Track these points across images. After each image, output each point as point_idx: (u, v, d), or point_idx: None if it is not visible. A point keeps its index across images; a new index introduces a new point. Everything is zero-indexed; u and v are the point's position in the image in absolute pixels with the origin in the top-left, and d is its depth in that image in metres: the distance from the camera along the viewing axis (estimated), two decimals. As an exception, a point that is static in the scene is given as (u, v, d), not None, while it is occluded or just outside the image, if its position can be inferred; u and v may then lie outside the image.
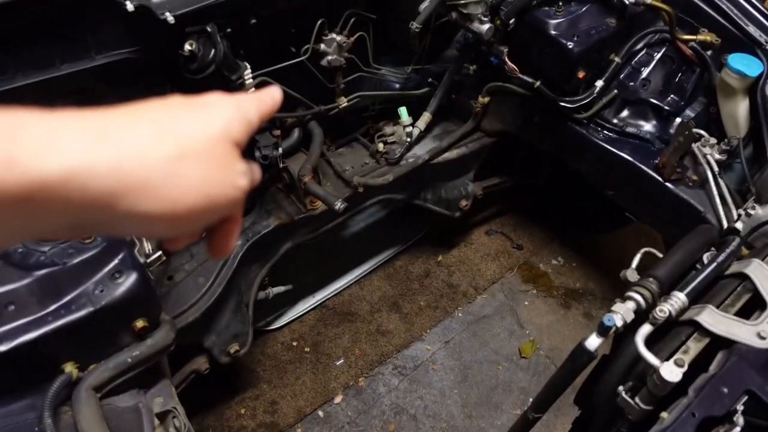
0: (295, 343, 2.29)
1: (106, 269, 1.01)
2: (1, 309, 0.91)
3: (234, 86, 1.39)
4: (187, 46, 1.26)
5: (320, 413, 2.11)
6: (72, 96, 1.29)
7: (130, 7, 1.19)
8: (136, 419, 1.11)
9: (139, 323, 1.06)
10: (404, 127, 1.98)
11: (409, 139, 1.96)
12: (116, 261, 1.03)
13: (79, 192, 0.36)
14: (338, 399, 2.15)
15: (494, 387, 2.24)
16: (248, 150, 1.60)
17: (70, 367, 1.00)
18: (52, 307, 0.95)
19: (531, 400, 1.49)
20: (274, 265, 1.85)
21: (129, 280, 1.01)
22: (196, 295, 1.59)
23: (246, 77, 1.41)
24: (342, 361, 2.26)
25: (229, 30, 1.36)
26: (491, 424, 2.13)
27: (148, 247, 1.17)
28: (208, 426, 2.04)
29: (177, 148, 0.40)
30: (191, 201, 0.41)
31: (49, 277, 0.96)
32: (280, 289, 2.06)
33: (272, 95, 0.52)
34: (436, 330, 2.39)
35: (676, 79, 1.81)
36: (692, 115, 1.80)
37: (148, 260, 1.13)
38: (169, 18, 1.21)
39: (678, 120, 1.80)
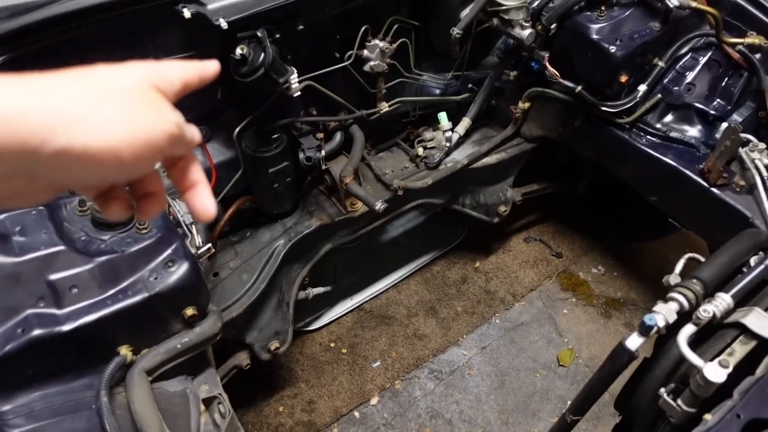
0: (332, 344, 2.33)
1: (161, 258, 1.07)
2: (65, 291, 0.98)
3: (281, 89, 1.44)
4: (238, 50, 1.32)
5: (356, 414, 2.14)
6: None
7: (187, 14, 1.26)
8: (184, 403, 1.16)
9: (189, 311, 1.11)
10: (444, 132, 2.00)
11: (448, 144, 1.99)
12: (170, 251, 1.08)
13: (11, 132, 0.38)
14: (374, 401, 2.17)
15: (531, 394, 2.21)
16: (292, 152, 1.66)
17: (125, 350, 1.05)
18: (111, 292, 1.01)
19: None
20: (314, 265, 1.89)
21: (181, 269, 1.07)
22: (240, 291, 1.64)
23: (292, 81, 1.46)
24: (378, 363, 2.28)
25: (277, 36, 1.42)
26: (528, 431, 2.11)
27: (198, 240, 1.22)
28: (247, 422, 2.09)
29: (100, 89, 0.44)
30: (125, 134, 0.43)
31: (108, 264, 1.02)
32: (320, 290, 2.10)
33: (204, 66, 0.55)
34: (473, 336, 2.39)
35: (723, 84, 1.78)
36: (740, 119, 1.76)
37: (199, 252, 1.18)
38: (223, 24, 1.28)
39: (724, 125, 1.77)
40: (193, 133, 0.53)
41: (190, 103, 1.48)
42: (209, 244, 1.21)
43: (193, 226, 1.25)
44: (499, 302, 2.50)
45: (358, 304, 2.45)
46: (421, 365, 2.29)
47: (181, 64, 0.53)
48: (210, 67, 0.56)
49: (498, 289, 2.55)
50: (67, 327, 0.95)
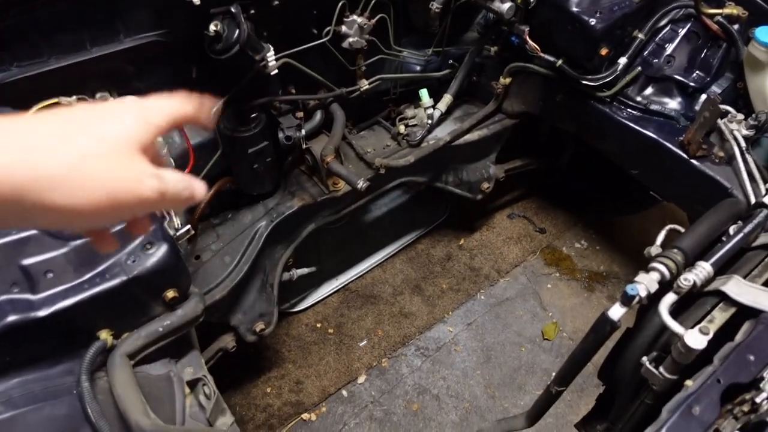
0: (319, 325, 2.33)
1: (138, 240, 1.04)
2: (40, 276, 0.96)
3: (258, 66, 1.41)
4: (212, 27, 1.28)
5: (344, 393, 2.15)
6: (102, 78, 1.33)
7: (156, -12, 1.22)
8: (168, 386, 1.15)
9: (170, 293, 1.10)
10: (425, 109, 1.98)
11: (430, 122, 1.97)
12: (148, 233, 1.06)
13: None
14: (362, 379, 2.18)
15: (517, 368, 2.24)
16: (272, 131, 1.63)
17: (105, 335, 1.04)
18: (88, 276, 0.99)
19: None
20: (298, 246, 1.88)
21: (160, 251, 1.05)
22: (223, 274, 1.63)
23: (269, 58, 1.43)
24: (365, 342, 2.28)
25: (252, 11, 1.39)
26: (514, 404, 2.14)
27: (177, 221, 1.20)
28: (235, 404, 2.09)
29: (80, 148, 0.44)
30: (96, 197, 0.45)
31: (84, 247, 1.00)
32: (304, 270, 2.09)
33: (197, 102, 0.55)
34: (459, 312, 2.40)
35: (702, 55, 1.78)
36: (719, 91, 1.77)
37: (177, 233, 1.16)
38: (195, 0, 1.24)
39: (704, 96, 1.77)
40: (194, 188, 0.53)
41: (163, 83, 1.45)
42: (188, 226, 1.19)
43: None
44: (484, 278, 2.52)
45: (343, 284, 2.45)
46: (408, 343, 2.30)
47: (167, 104, 0.53)
48: (205, 107, 0.56)
49: (482, 265, 2.57)
50: (42, 312, 0.93)
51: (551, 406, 1.40)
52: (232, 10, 1.30)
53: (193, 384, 1.17)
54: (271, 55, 1.43)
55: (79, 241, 1.00)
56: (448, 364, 2.25)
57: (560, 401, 2.09)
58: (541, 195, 2.85)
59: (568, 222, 2.77)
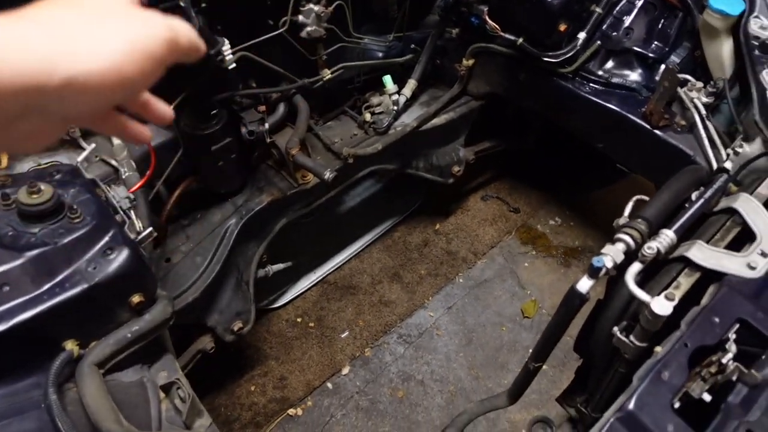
0: (299, 319, 2.31)
1: (98, 247, 1.02)
2: (-5, 290, 0.93)
3: (214, 61, 1.38)
4: (161, 23, 1.25)
5: (329, 385, 2.14)
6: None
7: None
8: (142, 393, 1.13)
9: (136, 298, 1.07)
10: (390, 95, 1.97)
11: (396, 108, 1.96)
12: (107, 238, 1.03)
13: (18, 65, 0.38)
14: (346, 370, 2.18)
15: (499, 348, 2.26)
16: (234, 127, 1.61)
17: (70, 345, 1.01)
18: (47, 286, 0.96)
19: (532, 352, 1.51)
20: (271, 242, 1.86)
21: (121, 257, 1.02)
22: (195, 275, 1.60)
23: (225, 52, 1.41)
24: (347, 333, 2.28)
25: (204, 5, 1.36)
26: (498, 383, 2.16)
27: (138, 224, 1.18)
28: (220, 405, 2.07)
29: (86, 11, 0.43)
30: (123, 50, 0.43)
31: (40, 257, 0.97)
32: (280, 266, 2.07)
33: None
34: (438, 297, 2.41)
35: (659, 26, 1.80)
36: (677, 60, 1.79)
37: (139, 237, 1.14)
38: (141, -5, 1.21)
39: (663, 67, 1.79)
40: (191, 36, 0.50)
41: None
42: (150, 228, 1.17)
43: (132, 211, 1.20)
44: (462, 262, 2.53)
45: (321, 277, 2.44)
46: (390, 331, 2.30)
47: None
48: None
49: (459, 249, 2.58)
50: (1, 327, 0.90)
51: (531, 382, 1.42)
52: (182, 4, 1.26)
53: (167, 388, 1.16)
54: (227, 48, 1.40)
55: (34, 252, 0.97)
56: (430, 349, 2.26)
57: (543, 377, 2.13)
58: (513, 175, 2.87)
59: (541, 200, 2.79)
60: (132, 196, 1.25)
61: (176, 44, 0.47)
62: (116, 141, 1.37)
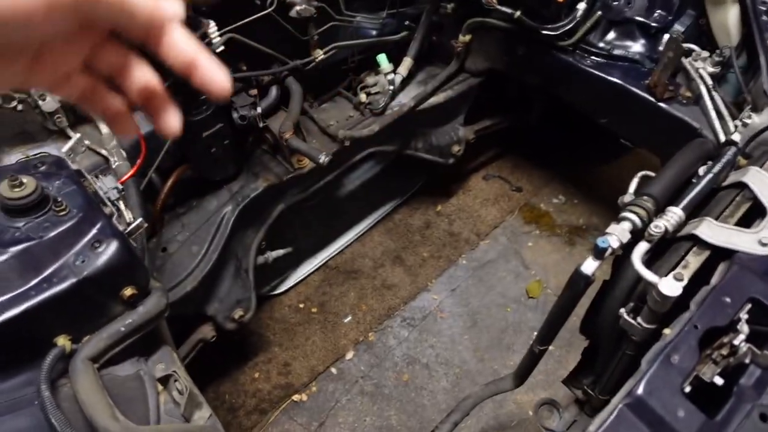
0: (302, 305, 2.29)
1: (85, 240, 0.99)
2: (-20, 288, 0.90)
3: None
4: (145, 6, 1.21)
5: (333, 370, 2.13)
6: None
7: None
8: (139, 386, 1.11)
9: (128, 291, 1.04)
10: (386, 75, 1.92)
11: (392, 87, 1.91)
12: (95, 231, 1.00)
13: None
14: (350, 355, 2.16)
15: (504, 329, 2.24)
16: (226, 112, 1.56)
17: (62, 340, 0.99)
18: (34, 282, 0.93)
19: (537, 334, 1.49)
20: (270, 228, 1.83)
21: (110, 249, 0.99)
22: (192, 264, 1.58)
23: (212, 35, 1.36)
24: (350, 318, 2.26)
25: (187, -15, 1.31)
26: (504, 365, 2.14)
27: (128, 215, 1.15)
28: (224, 392, 2.06)
29: None
30: None
31: (26, 252, 0.94)
32: (279, 252, 2.05)
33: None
34: (442, 279, 2.38)
35: (663, -6, 1.73)
36: (681, 29, 1.73)
37: (129, 228, 1.11)
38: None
39: (666, 36, 1.73)
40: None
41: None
42: (140, 219, 1.13)
43: (120, 202, 1.17)
44: (464, 243, 2.50)
45: (323, 262, 2.41)
46: (393, 314, 2.28)
47: None
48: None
49: (462, 230, 2.54)
50: (-12, 325, 0.88)
51: (536, 365, 1.39)
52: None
53: (165, 380, 1.13)
54: (213, 30, 1.35)
55: (20, 247, 0.94)
56: (435, 331, 2.23)
57: (549, 358, 2.11)
58: (515, 153, 2.82)
59: (544, 178, 2.74)
60: (120, 187, 1.22)
61: None
62: (105, 129, 1.33)
